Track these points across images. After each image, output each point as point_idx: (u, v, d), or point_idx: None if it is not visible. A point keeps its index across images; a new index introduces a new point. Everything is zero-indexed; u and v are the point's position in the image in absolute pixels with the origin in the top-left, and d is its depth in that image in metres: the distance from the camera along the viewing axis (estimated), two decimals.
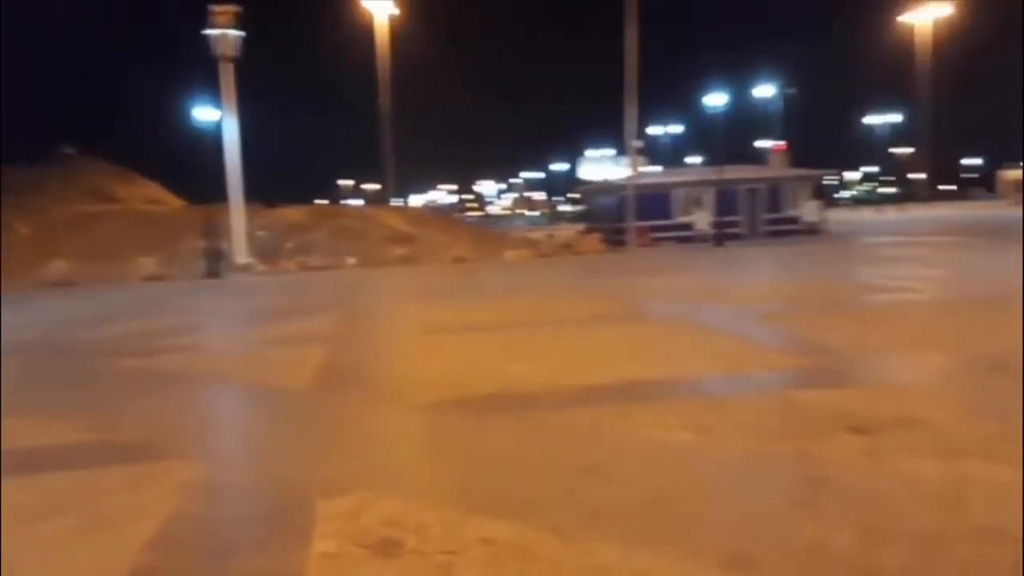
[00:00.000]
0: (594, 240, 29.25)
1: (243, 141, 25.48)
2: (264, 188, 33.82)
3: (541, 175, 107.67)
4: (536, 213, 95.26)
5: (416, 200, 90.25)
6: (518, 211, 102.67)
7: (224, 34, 24.41)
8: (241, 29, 24.68)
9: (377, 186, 53.83)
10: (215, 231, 24.86)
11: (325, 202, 52.45)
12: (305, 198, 39.60)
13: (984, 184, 77.62)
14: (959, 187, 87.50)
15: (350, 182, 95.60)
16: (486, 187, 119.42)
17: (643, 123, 39.93)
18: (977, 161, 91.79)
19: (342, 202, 70.20)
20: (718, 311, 10.71)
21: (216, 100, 26.04)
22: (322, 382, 7.22)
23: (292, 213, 30.11)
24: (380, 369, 7.87)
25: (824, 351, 7.57)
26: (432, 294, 16.43)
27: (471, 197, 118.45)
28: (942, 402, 5.38)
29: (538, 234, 35.08)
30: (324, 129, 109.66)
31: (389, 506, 3.78)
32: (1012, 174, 63.90)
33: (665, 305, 11.87)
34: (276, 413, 6.32)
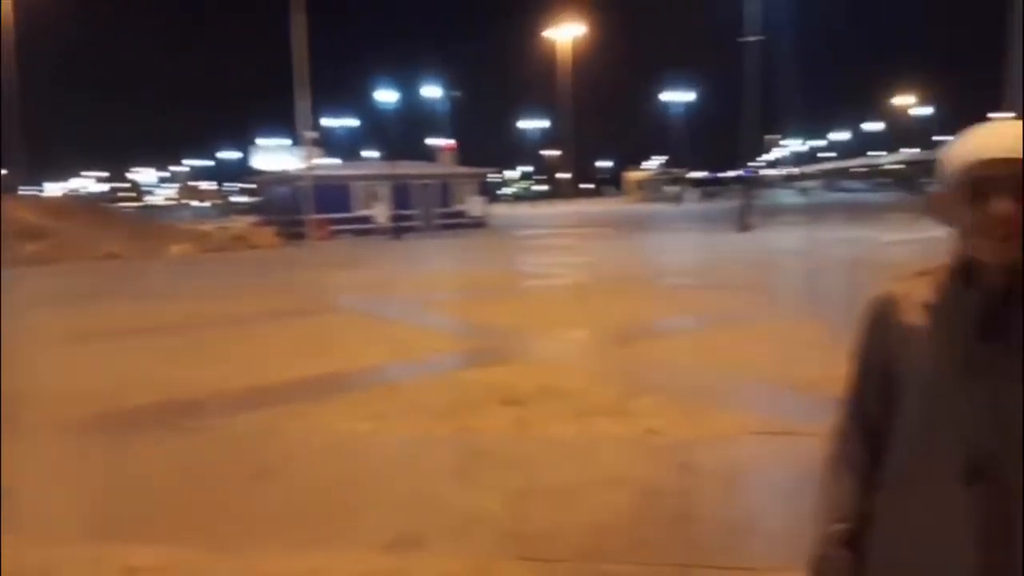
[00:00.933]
0: (269, 233, 28.04)
1: None
2: None
3: (210, 163, 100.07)
4: (206, 204, 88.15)
5: (54, 189, 77.79)
6: (184, 201, 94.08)
7: None
8: None
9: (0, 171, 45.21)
10: None
11: None
12: None
13: (613, 183, 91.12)
14: (596, 185, 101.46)
15: None
16: (145, 175, 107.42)
17: (317, 114, 39.36)
18: (608, 164, 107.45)
19: None
20: (396, 301, 11.02)
21: None
22: None
23: None
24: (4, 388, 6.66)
25: (486, 333, 8.24)
26: (77, 297, 14.31)
27: (126, 186, 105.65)
28: (579, 372, 6.21)
29: (208, 226, 32.58)
30: None
31: (5, 550, 3.24)
32: (634, 175, 77.13)
33: (345, 298, 11.85)
34: None
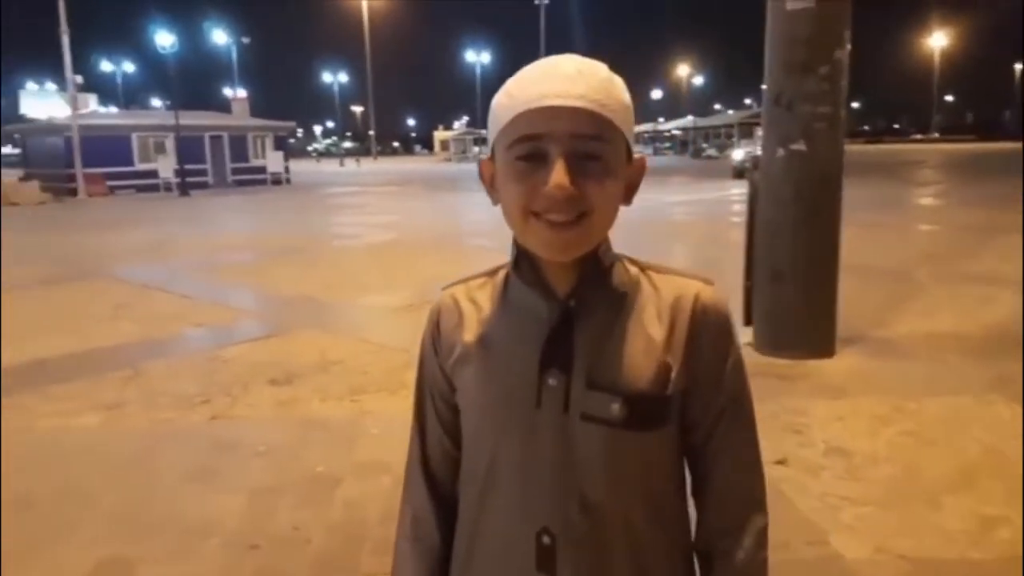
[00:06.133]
0: (33, 189, 24.54)
1: None
2: None
3: None
4: None
5: None
6: None
7: None
8: None
9: None
10: None
11: None
12: None
13: (422, 142, 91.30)
14: (404, 144, 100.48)
15: None
16: None
17: (90, 57, 35.06)
18: (418, 122, 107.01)
19: None
20: (170, 267, 9.87)
21: None
22: None
23: None
24: None
25: (266, 301, 7.54)
26: None
27: None
28: (365, 342, 5.74)
29: None
30: None
31: None
32: (442, 135, 79.23)
33: (111, 264, 10.41)
34: None
